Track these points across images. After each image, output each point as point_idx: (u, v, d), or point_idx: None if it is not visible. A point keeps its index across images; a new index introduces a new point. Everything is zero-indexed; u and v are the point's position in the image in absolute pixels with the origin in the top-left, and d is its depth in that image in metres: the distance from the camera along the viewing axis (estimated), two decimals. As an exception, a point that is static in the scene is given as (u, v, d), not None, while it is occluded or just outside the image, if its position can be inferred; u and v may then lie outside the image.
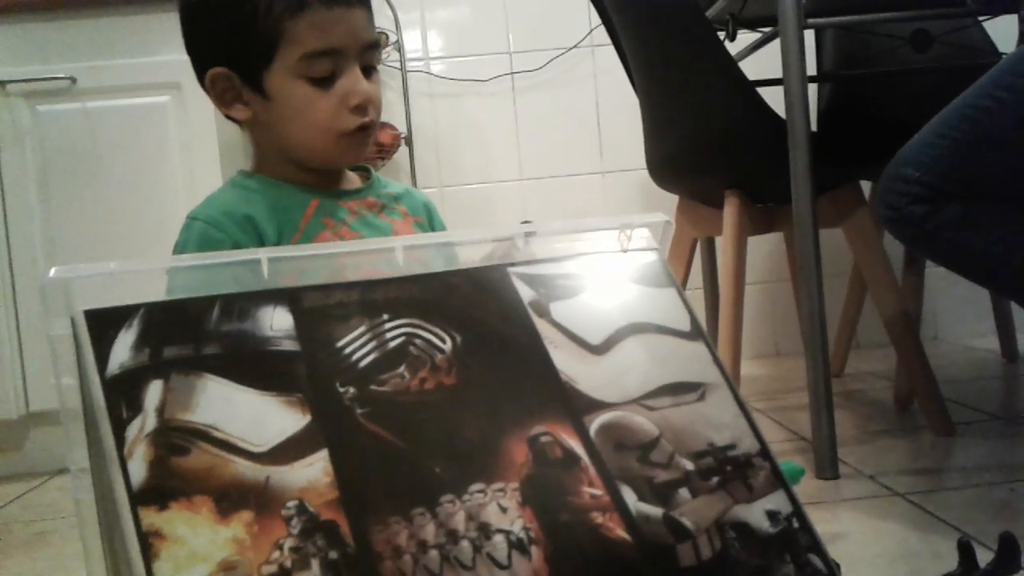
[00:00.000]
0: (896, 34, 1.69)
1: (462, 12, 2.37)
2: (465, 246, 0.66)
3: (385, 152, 2.18)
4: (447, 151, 2.35)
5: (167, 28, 1.79)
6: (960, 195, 1.03)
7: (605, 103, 2.37)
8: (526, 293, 0.62)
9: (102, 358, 0.51)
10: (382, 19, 2.18)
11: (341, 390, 0.53)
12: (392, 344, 0.56)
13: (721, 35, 1.53)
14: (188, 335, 0.53)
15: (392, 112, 2.27)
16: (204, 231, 0.87)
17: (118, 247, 1.71)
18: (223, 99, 0.90)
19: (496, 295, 0.61)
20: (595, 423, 0.58)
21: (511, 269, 0.63)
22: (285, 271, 0.57)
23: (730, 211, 1.51)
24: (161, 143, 1.78)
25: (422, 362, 0.56)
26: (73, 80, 1.77)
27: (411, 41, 2.34)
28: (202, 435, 0.50)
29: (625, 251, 0.68)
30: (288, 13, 0.84)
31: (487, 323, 0.59)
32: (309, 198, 0.92)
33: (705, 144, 1.55)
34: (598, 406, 0.59)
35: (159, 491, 0.47)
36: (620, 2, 1.66)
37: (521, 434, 0.55)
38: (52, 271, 0.52)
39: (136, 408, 0.50)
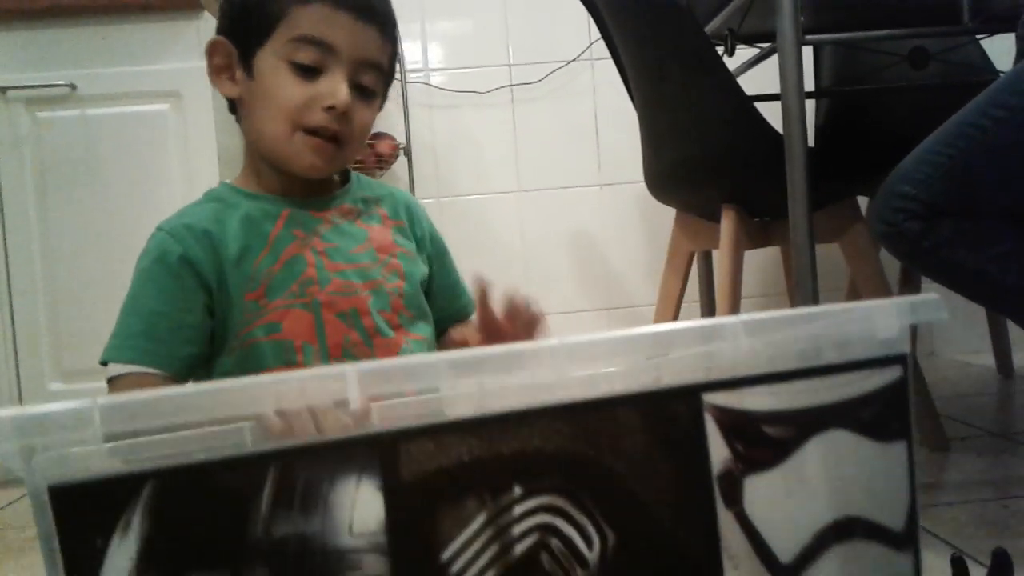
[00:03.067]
0: (894, 51, 1.70)
1: (462, 24, 2.38)
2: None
3: (384, 163, 2.19)
4: (445, 162, 2.35)
5: (167, 36, 1.80)
6: (956, 212, 1.03)
7: (604, 116, 2.38)
8: (719, 452, 0.40)
9: None
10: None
11: None
12: (519, 549, 0.37)
13: (720, 50, 1.54)
14: (221, 546, 0.32)
15: (391, 123, 2.28)
16: (162, 241, 0.87)
17: (116, 255, 1.71)
18: (216, 70, 0.89)
19: (678, 451, 0.39)
20: None
21: (707, 398, 0.40)
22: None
23: (727, 225, 1.51)
24: (160, 151, 1.79)
25: None
26: (73, 87, 1.77)
27: (411, 52, 2.34)
28: None
29: (869, 364, 0.44)
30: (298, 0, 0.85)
31: (652, 515, 0.39)
32: (281, 208, 0.91)
33: (703, 158, 1.55)
34: None
35: None
36: (619, 16, 1.66)
37: None
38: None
39: None
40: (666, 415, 0.39)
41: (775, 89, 1.30)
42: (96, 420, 0.29)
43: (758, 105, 1.46)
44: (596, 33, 1.98)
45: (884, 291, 1.50)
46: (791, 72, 1.25)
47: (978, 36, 1.81)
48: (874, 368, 0.43)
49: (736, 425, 0.40)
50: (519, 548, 0.37)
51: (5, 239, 1.77)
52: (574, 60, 2.36)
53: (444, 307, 1.03)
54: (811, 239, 1.26)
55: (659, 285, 1.86)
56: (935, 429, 1.45)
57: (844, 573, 0.43)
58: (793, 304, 1.89)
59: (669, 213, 1.82)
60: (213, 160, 1.78)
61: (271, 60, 0.86)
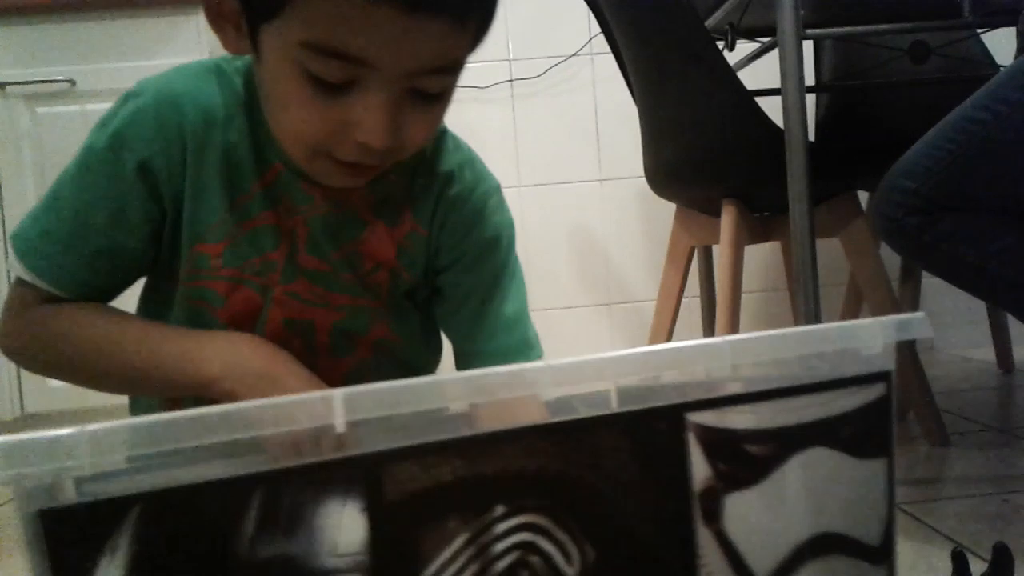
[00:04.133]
0: (894, 46, 1.70)
1: (462, 19, 2.37)
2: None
3: (384, 158, 2.18)
4: (445, 157, 2.35)
5: (167, 32, 1.79)
6: (957, 207, 1.03)
7: (604, 111, 2.38)
8: (700, 469, 0.40)
9: None
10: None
11: None
12: (499, 567, 0.36)
13: (720, 45, 1.53)
14: (208, 570, 0.32)
15: (391, 118, 2.27)
16: (131, 124, 0.70)
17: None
18: (217, 13, 0.64)
19: (657, 468, 0.39)
20: None
21: (690, 417, 0.39)
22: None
23: (727, 220, 1.51)
24: (160, 146, 1.78)
25: None
26: (72, 82, 1.77)
27: (411, 47, 2.34)
28: None
29: (853, 381, 0.44)
30: None
31: (633, 531, 0.39)
32: (273, 159, 0.71)
33: (703, 153, 1.55)
34: None
35: None
36: (619, 10, 1.66)
37: None
38: None
39: None
40: (648, 434, 0.39)
41: (775, 84, 1.29)
42: (85, 447, 0.30)
43: (758, 100, 1.45)
44: (596, 28, 1.98)
45: (884, 286, 1.50)
46: (791, 67, 1.25)
47: (979, 30, 1.80)
48: (858, 386, 0.43)
49: (718, 443, 0.40)
50: (500, 566, 0.37)
51: (6, 234, 1.77)
52: (574, 55, 2.36)
53: (464, 338, 0.82)
54: (811, 234, 1.25)
55: (659, 280, 1.85)
56: (936, 424, 1.45)
57: None
58: (793, 300, 1.89)
59: (669, 208, 1.82)
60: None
61: (279, 54, 0.59)
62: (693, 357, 0.40)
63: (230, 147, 0.70)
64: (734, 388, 0.41)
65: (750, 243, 1.57)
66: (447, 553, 0.36)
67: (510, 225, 0.85)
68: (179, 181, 0.70)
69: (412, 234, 0.77)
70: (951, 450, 1.41)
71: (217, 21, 0.64)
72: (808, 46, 1.93)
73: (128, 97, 0.72)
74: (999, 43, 1.86)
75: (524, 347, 0.81)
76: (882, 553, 0.44)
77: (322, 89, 0.59)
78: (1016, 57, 1.11)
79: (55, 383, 1.78)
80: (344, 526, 0.34)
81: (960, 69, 1.79)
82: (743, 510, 0.41)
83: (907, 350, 1.48)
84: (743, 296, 1.56)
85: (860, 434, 0.43)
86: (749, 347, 0.40)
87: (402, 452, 0.35)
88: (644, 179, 1.79)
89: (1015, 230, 1.02)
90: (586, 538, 0.38)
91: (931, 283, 2.06)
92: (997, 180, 1.03)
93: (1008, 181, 1.03)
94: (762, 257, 2.33)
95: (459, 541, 0.36)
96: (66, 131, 1.78)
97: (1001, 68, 1.55)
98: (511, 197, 2.37)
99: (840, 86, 2.03)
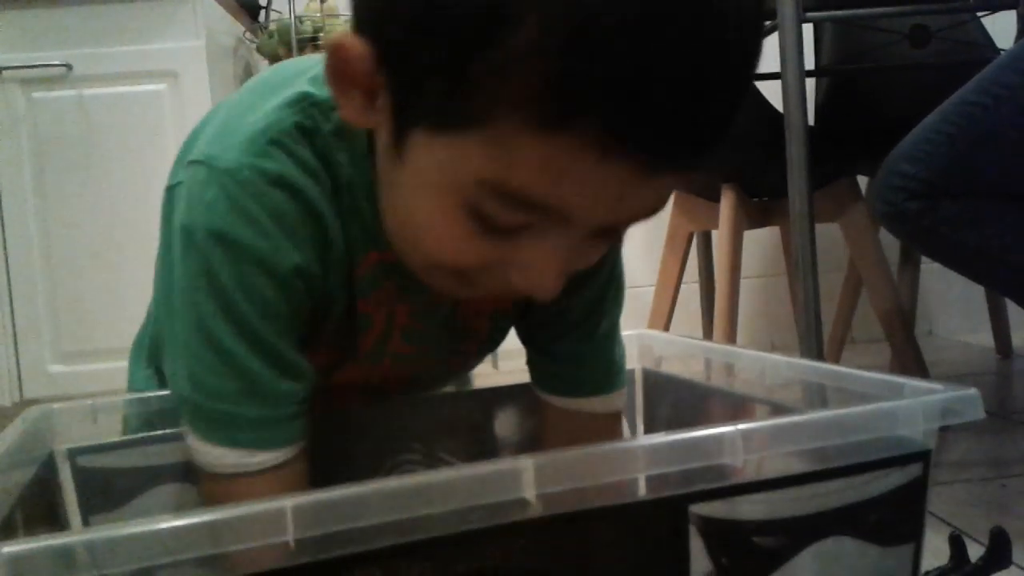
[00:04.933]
0: (894, 29, 1.69)
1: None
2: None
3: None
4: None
5: (164, 16, 1.78)
6: (957, 191, 1.03)
7: (603, 95, 2.37)
8: (701, 565, 0.34)
9: None
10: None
11: None
12: None
13: (719, 28, 1.53)
14: None
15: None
16: (262, 228, 0.51)
17: (113, 235, 1.71)
18: (343, 78, 0.47)
19: (652, 565, 0.34)
20: None
21: (693, 509, 0.34)
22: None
23: (726, 205, 1.51)
24: (157, 131, 1.78)
25: None
26: (69, 67, 1.76)
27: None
28: None
29: (886, 463, 0.38)
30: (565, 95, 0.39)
31: None
32: (383, 242, 0.55)
33: (702, 137, 1.55)
34: None
35: None
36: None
37: None
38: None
39: None
40: (645, 529, 0.33)
41: (775, 68, 1.29)
42: (81, 557, 0.29)
43: (758, 84, 1.45)
44: (595, 12, 1.97)
45: (883, 271, 1.50)
46: (791, 50, 1.25)
47: (979, 14, 1.80)
48: (890, 468, 0.38)
49: (723, 537, 0.34)
50: None
51: (3, 221, 1.77)
52: (573, 39, 2.35)
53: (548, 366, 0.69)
54: (811, 219, 1.25)
55: (658, 266, 1.85)
56: (934, 408, 1.45)
57: None
58: (793, 285, 1.89)
59: (668, 193, 1.81)
60: (210, 141, 1.77)
61: (441, 170, 0.45)
62: (703, 451, 0.34)
63: (346, 196, 0.55)
64: (746, 474, 0.35)
65: (749, 228, 1.57)
66: None
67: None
68: (322, 262, 0.55)
69: (498, 313, 0.66)
70: (948, 435, 1.41)
71: (341, 83, 0.48)
72: (808, 30, 1.92)
73: (224, 192, 0.52)
74: (999, 27, 1.85)
75: (608, 370, 0.69)
76: None
77: (488, 228, 0.45)
78: (1016, 40, 1.10)
79: (54, 368, 1.78)
80: None
81: (961, 53, 1.78)
82: None
83: (906, 335, 1.48)
84: (742, 281, 1.56)
85: (888, 520, 0.37)
86: (766, 434, 0.34)
87: (366, 555, 0.32)
88: (643, 164, 1.78)
89: (1015, 214, 1.02)
90: None
91: (930, 268, 2.06)
92: (997, 164, 1.03)
93: (1008, 165, 1.03)
94: (761, 242, 2.33)
95: None
96: (63, 116, 1.77)
97: (1001, 52, 1.55)
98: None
99: (840, 70, 2.02)
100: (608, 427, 0.69)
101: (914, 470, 0.37)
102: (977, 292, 2.10)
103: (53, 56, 1.76)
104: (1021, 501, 1.08)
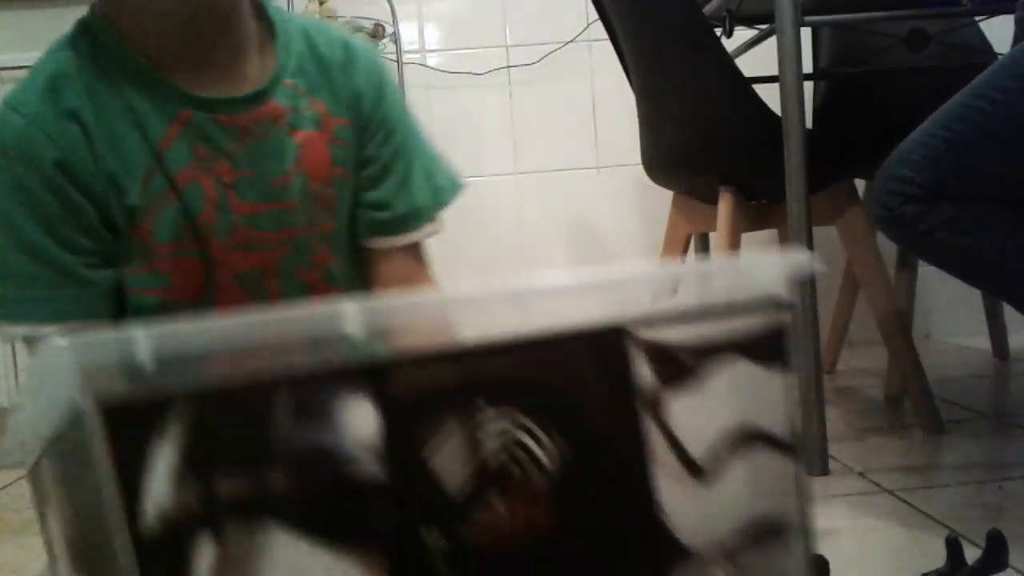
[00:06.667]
0: (892, 33, 1.69)
1: (460, 5, 2.37)
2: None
3: (380, 144, 2.18)
4: (442, 144, 2.33)
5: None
6: (954, 196, 1.03)
7: (601, 98, 2.37)
8: (643, 374, 0.47)
9: (132, 493, 0.33)
10: (378, 11, 2.17)
11: (429, 542, 0.40)
12: (489, 456, 0.43)
13: (718, 31, 1.53)
14: (247, 451, 0.36)
15: (388, 104, 2.27)
16: (23, 132, 0.63)
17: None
18: None
19: (610, 375, 0.46)
20: None
21: (631, 332, 0.47)
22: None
23: (724, 208, 1.51)
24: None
25: (520, 488, 0.44)
26: (67, 68, 1.76)
27: (407, 33, 2.33)
28: None
29: (756, 306, 0.52)
30: None
31: (594, 424, 0.46)
32: (179, 104, 0.64)
33: (700, 140, 1.55)
34: (683, 555, 0.48)
35: None
36: (617, -3, 1.66)
37: None
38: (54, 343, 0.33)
39: None
40: (600, 346, 0.46)
41: (773, 71, 1.29)
42: (142, 347, 0.33)
43: (756, 87, 1.45)
44: (594, 14, 1.97)
45: (881, 274, 1.50)
46: (789, 54, 1.25)
47: (977, 18, 1.80)
48: (761, 310, 0.51)
49: (654, 353, 0.47)
50: (490, 455, 0.43)
51: None
52: (572, 41, 2.35)
53: (373, 215, 0.77)
54: (808, 222, 1.25)
55: (656, 268, 1.85)
56: (931, 412, 1.45)
57: (747, 469, 0.51)
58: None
59: (667, 195, 1.81)
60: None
61: None
62: (634, 283, 0.49)
63: (125, 107, 0.64)
64: (665, 310, 0.49)
65: (747, 231, 1.57)
66: (448, 447, 0.41)
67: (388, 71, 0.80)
68: (94, 165, 0.64)
69: (340, 128, 0.72)
70: (946, 437, 1.42)
71: None
72: (806, 33, 1.92)
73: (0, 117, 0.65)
74: (997, 30, 1.85)
75: (439, 195, 0.81)
76: (791, 448, 0.53)
77: None
78: (1014, 44, 1.11)
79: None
80: (360, 418, 0.39)
81: (958, 57, 1.79)
82: (680, 406, 0.49)
83: (903, 338, 1.48)
84: (740, 284, 1.56)
85: (767, 349, 0.51)
86: (679, 276, 0.52)
87: (405, 360, 0.41)
88: (641, 166, 1.78)
89: (1013, 219, 1.02)
90: (558, 432, 0.44)
91: (927, 271, 2.06)
92: (995, 168, 1.03)
93: (1006, 169, 1.03)
94: (759, 245, 2.33)
95: (457, 436, 0.41)
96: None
97: (999, 56, 1.55)
98: (508, 184, 2.38)
99: (838, 74, 2.03)
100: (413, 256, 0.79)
101: (781, 314, 0.51)
102: (974, 296, 2.11)
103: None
104: (1018, 504, 1.08)
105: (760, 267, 0.52)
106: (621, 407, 0.46)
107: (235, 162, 0.66)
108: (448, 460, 0.41)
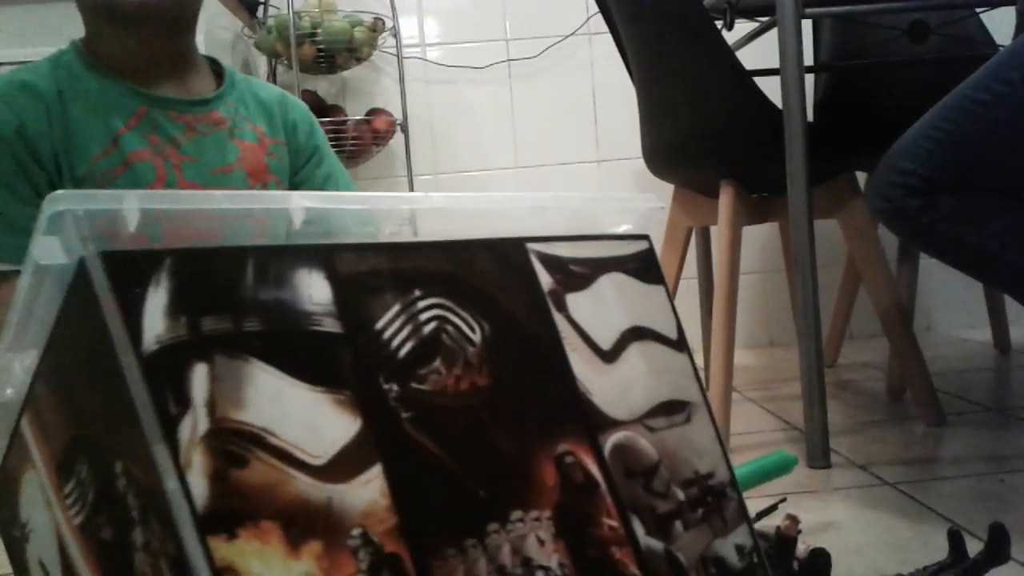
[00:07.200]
0: (893, 25, 1.69)
1: (459, -2, 2.36)
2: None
3: (380, 139, 2.18)
4: (442, 138, 2.34)
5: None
6: (956, 188, 1.03)
7: (601, 91, 2.37)
8: (545, 279, 0.57)
9: (133, 325, 0.39)
10: (378, 5, 2.17)
11: (385, 387, 0.47)
12: (426, 330, 0.50)
13: (718, 24, 1.53)
14: (225, 301, 0.43)
15: (388, 98, 2.26)
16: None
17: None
18: None
19: (518, 277, 0.56)
20: (608, 444, 0.55)
21: (530, 246, 0.57)
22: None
23: (725, 201, 1.51)
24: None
25: (456, 355, 0.50)
26: (67, 63, 1.76)
27: (407, 27, 2.33)
28: (258, 441, 0.41)
29: (623, 237, 0.65)
30: None
31: (512, 312, 0.54)
32: (138, 103, 0.80)
33: (701, 133, 1.55)
34: (610, 424, 0.56)
35: (226, 515, 0.38)
36: (618, -10, 1.65)
37: (547, 451, 0.52)
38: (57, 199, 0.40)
39: (184, 401, 0.39)
40: (506, 253, 0.56)
41: (774, 64, 1.29)
42: (135, 211, 0.41)
43: (757, 80, 1.45)
44: (594, 7, 1.97)
45: (882, 267, 1.50)
46: (790, 46, 1.25)
47: (978, 9, 1.80)
48: (630, 240, 0.64)
49: (551, 263, 0.58)
50: (426, 329, 0.50)
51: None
52: (572, 35, 2.35)
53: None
54: (809, 215, 1.25)
55: (657, 261, 1.85)
56: (932, 405, 1.45)
57: (646, 359, 0.61)
58: (791, 281, 1.89)
59: (667, 189, 1.81)
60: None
61: None
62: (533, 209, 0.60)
63: (91, 104, 0.78)
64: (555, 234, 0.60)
65: (748, 224, 1.57)
66: (390, 314, 0.49)
67: None
68: (51, 139, 0.77)
69: (275, 145, 0.87)
70: (947, 430, 1.42)
71: None
72: (807, 25, 1.92)
73: None
74: (998, 22, 1.85)
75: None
76: (680, 344, 0.64)
77: None
78: (1015, 36, 1.10)
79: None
80: (314, 285, 0.46)
81: (959, 49, 1.78)
82: (580, 305, 0.58)
83: (905, 331, 1.48)
84: (741, 277, 1.56)
85: (641, 267, 0.64)
86: (563, 203, 0.63)
87: (346, 247, 0.49)
88: (642, 160, 1.78)
89: (1015, 211, 1.02)
90: (481, 316, 0.52)
91: (929, 264, 2.06)
92: (997, 161, 1.03)
93: (1008, 162, 1.03)
94: (760, 238, 2.33)
95: (395, 307, 0.49)
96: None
97: (1000, 48, 1.55)
98: (508, 178, 2.38)
99: (839, 66, 2.02)
100: None
101: (645, 243, 0.65)
102: (975, 288, 2.11)
103: (50, 52, 1.75)
104: (1020, 496, 1.08)
105: (625, 202, 0.66)
106: (531, 300, 0.55)
107: (182, 149, 0.80)
108: (393, 329, 0.48)
